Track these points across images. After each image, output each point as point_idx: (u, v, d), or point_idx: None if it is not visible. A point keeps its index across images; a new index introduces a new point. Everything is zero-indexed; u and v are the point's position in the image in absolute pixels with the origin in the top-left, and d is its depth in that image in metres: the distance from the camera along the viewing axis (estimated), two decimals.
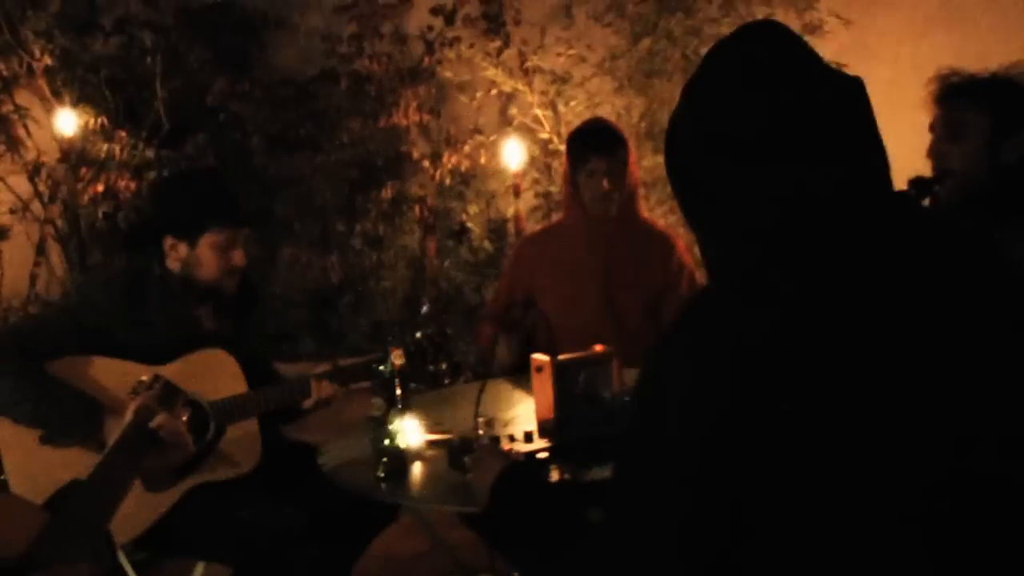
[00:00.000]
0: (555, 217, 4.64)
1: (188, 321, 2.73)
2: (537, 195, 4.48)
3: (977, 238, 1.27)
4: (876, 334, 1.15)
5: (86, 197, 4.14)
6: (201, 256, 2.65)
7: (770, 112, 1.22)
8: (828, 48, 4.05)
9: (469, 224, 4.53)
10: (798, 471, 1.14)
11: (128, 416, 2.18)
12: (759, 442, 1.13)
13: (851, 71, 1.33)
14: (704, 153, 1.28)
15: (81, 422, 2.47)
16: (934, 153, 2.46)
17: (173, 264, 2.70)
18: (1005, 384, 1.20)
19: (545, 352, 2.43)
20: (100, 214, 4.19)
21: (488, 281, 4.53)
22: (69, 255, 4.37)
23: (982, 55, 2.76)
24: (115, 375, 2.56)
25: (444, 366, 2.79)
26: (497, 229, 4.59)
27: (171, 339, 2.64)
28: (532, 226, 4.48)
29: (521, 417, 2.53)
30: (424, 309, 3.41)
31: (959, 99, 2.45)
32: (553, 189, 4.56)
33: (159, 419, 2.21)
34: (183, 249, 2.66)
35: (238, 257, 2.70)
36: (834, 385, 1.14)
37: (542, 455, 2.12)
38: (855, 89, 1.26)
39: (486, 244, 4.51)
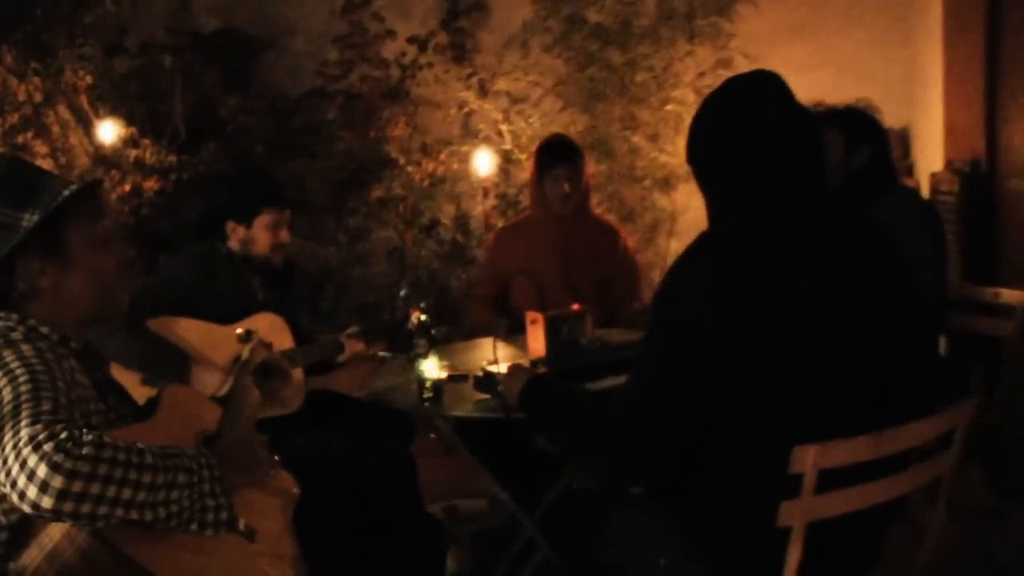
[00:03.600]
0: (511, 214, 5.40)
1: (247, 290, 3.27)
2: (497, 196, 5.23)
3: (869, 220, 1.92)
4: (817, 272, 1.76)
5: (114, 196, 4.71)
6: (256, 235, 3.20)
7: (760, 135, 1.82)
8: None
9: (444, 220, 5.26)
10: (770, 350, 1.71)
11: (246, 354, 2.85)
12: (746, 329, 1.70)
13: None
14: (714, 151, 1.88)
15: (173, 367, 2.95)
16: None
17: (233, 244, 3.25)
18: (897, 306, 1.83)
19: (536, 310, 3.05)
20: (127, 210, 4.78)
21: (457, 267, 5.28)
22: None
23: (849, 85, 3.57)
24: (196, 332, 3.09)
25: (443, 329, 3.54)
26: (464, 224, 5.34)
27: (235, 305, 3.17)
28: (496, 221, 5.21)
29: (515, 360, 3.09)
30: (403, 292, 4.11)
31: (823, 122, 3.14)
32: (511, 191, 5.34)
33: (268, 354, 2.89)
34: (241, 231, 3.25)
35: (284, 235, 3.29)
36: (790, 297, 1.72)
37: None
38: (812, 123, 1.89)
39: (458, 237, 5.25)
